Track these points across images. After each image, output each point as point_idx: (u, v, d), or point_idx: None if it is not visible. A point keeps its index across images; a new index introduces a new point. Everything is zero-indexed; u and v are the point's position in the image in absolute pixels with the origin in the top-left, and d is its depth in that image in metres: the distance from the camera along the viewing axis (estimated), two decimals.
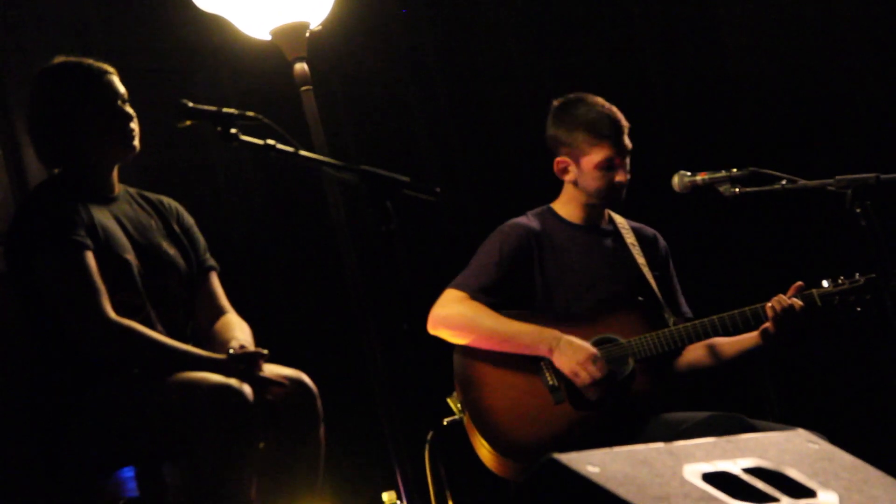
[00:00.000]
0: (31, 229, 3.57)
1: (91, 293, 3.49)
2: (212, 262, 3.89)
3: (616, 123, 4.19)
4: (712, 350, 4.23)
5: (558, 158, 4.26)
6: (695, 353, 4.26)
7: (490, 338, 4.12)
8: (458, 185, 5.95)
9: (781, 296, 4.01)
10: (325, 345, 5.20)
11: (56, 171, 3.75)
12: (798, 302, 3.99)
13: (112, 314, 3.49)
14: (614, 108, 4.22)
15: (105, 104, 3.68)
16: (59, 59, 3.74)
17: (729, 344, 4.20)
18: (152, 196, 3.89)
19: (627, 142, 4.21)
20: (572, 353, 4.04)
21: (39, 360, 3.62)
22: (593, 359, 4.03)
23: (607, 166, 4.19)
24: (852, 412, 5.60)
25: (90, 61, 3.72)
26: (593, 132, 4.18)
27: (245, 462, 3.44)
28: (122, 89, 3.72)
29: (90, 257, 3.52)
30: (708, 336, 4.07)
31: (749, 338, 4.13)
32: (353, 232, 4.47)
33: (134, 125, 3.71)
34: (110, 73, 3.73)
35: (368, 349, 4.45)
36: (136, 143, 3.72)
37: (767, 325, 4.03)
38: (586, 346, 4.05)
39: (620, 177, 4.20)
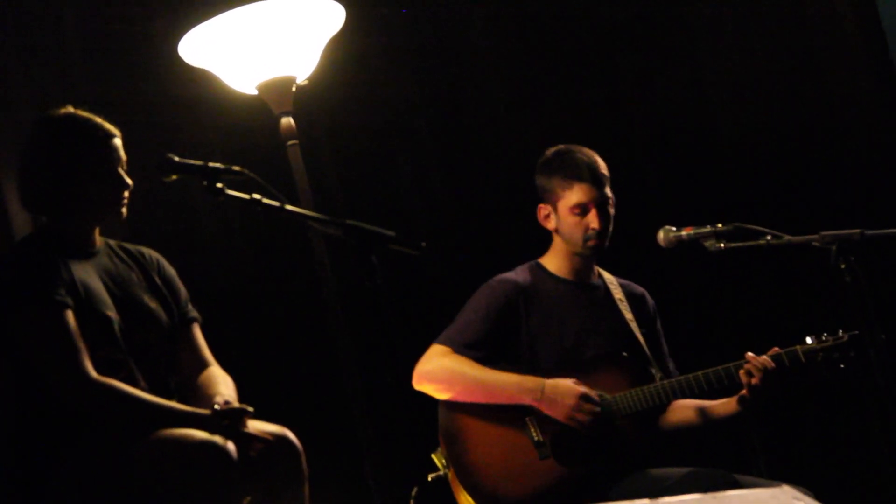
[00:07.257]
0: (11, 287, 3.55)
1: (71, 352, 3.46)
2: (194, 313, 3.87)
3: (592, 169, 4.20)
4: (700, 412, 4.22)
5: (540, 205, 4.29)
6: (682, 413, 4.25)
7: (473, 389, 4.10)
8: (444, 240, 5.94)
9: (753, 361, 4.00)
10: (309, 400, 5.18)
11: (40, 219, 3.73)
12: (770, 363, 3.98)
13: (93, 373, 3.47)
14: (596, 157, 4.24)
15: (106, 166, 3.66)
16: (68, 109, 3.71)
17: (714, 408, 4.19)
18: (132, 248, 3.86)
19: (607, 191, 4.21)
20: (561, 398, 4.02)
21: (20, 417, 3.58)
22: (584, 398, 4.01)
23: (581, 210, 4.19)
24: (838, 468, 5.59)
25: (99, 120, 3.70)
26: (567, 175, 4.20)
27: None
28: (123, 155, 3.71)
29: (70, 316, 3.50)
30: (693, 391, 4.06)
31: (731, 402, 4.13)
32: (339, 286, 4.46)
33: (127, 193, 3.70)
34: (116, 136, 3.71)
35: (353, 404, 4.43)
36: (124, 210, 3.71)
37: (743, 392, 4.02)
38: (571, 386, 4.03)
39: (594, 223, 4.18)
